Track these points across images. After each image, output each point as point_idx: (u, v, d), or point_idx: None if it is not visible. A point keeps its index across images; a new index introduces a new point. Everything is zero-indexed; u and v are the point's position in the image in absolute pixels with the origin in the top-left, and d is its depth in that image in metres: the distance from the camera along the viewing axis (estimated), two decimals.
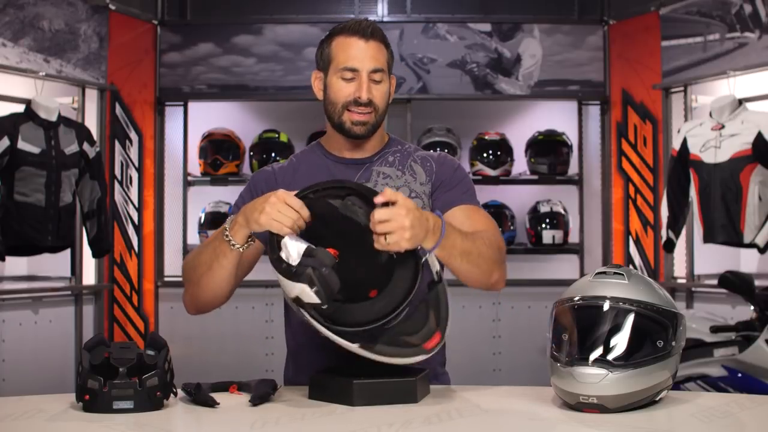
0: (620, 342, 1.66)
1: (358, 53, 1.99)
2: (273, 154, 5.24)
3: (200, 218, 5.29)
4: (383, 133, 2.13)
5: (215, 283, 1.90)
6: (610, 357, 1.65)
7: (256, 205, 1.74)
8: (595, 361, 1.65)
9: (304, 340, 2.03)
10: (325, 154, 2.11)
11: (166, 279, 5.33)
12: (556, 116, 5.49)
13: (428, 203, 2.04)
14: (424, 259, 1.74)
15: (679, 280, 4.88)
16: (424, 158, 2.11)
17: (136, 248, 5.22)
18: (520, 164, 5.39)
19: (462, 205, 2.01)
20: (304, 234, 1.70)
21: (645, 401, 1.67)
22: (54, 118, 4.30)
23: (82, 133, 4.47)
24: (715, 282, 3.84)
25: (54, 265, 4.68)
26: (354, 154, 2.09)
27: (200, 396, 1.74)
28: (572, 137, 5.39)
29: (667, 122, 4.97)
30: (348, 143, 2.08)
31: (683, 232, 4.61)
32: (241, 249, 1.83)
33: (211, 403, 1.72)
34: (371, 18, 5.23)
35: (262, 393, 1.75)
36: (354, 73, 1.99)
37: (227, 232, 1.82)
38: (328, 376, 1.81)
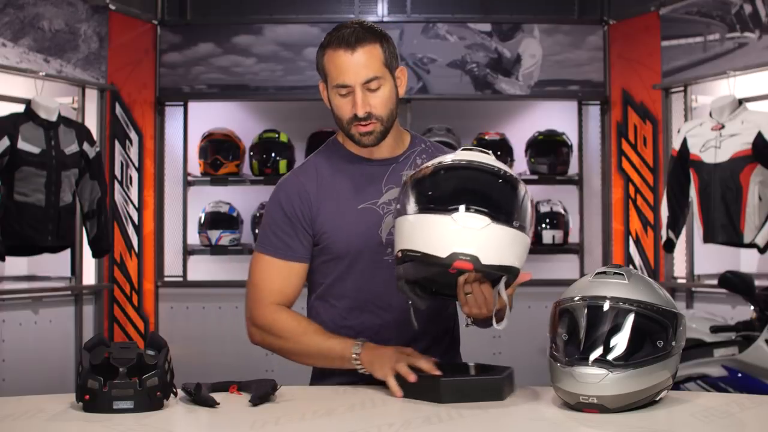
0: (620, 342, 1.66)
1: (346, 68, 1.92)
2: (273, 154, 5.24)
3: (200, 218, 5.29)
4: (401, 130, 2.10)
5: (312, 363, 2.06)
6: (610, 357, 1.65)
7: (383, 361, 1.86)
8: (595, 361, 1.65)
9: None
10: (348, 154, 2.06)
11: (166, 279, 5.33)
12: (556, 116, 5.49)
13: None
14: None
15: (679, 280, 4.88)
16: None
17: (136, 248, 5.22)
18: (520, 164, 5.39)
19: None
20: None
21: (645, 401, 1.67)
22: (54, 118, 4.30)
23: (82, 133, 4.47)
24: (715, 282, 3.83)
25: (54, 265, 4.68)
26: (377, 153, 2.05)
27: (200, 396, 1.74)
28: (572, 137, 5.39)
29: (667, 122, 4.96)
30: None
31: (683, 232, 4.61)
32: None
33: (211, 403, 1.72)
34: (371, 18, 5.23)
35: (262, 393, 1.75)
36: (347, 89, 1.94)
37: (358, 362, 1.90)
38: (414, 373, 1.80)
